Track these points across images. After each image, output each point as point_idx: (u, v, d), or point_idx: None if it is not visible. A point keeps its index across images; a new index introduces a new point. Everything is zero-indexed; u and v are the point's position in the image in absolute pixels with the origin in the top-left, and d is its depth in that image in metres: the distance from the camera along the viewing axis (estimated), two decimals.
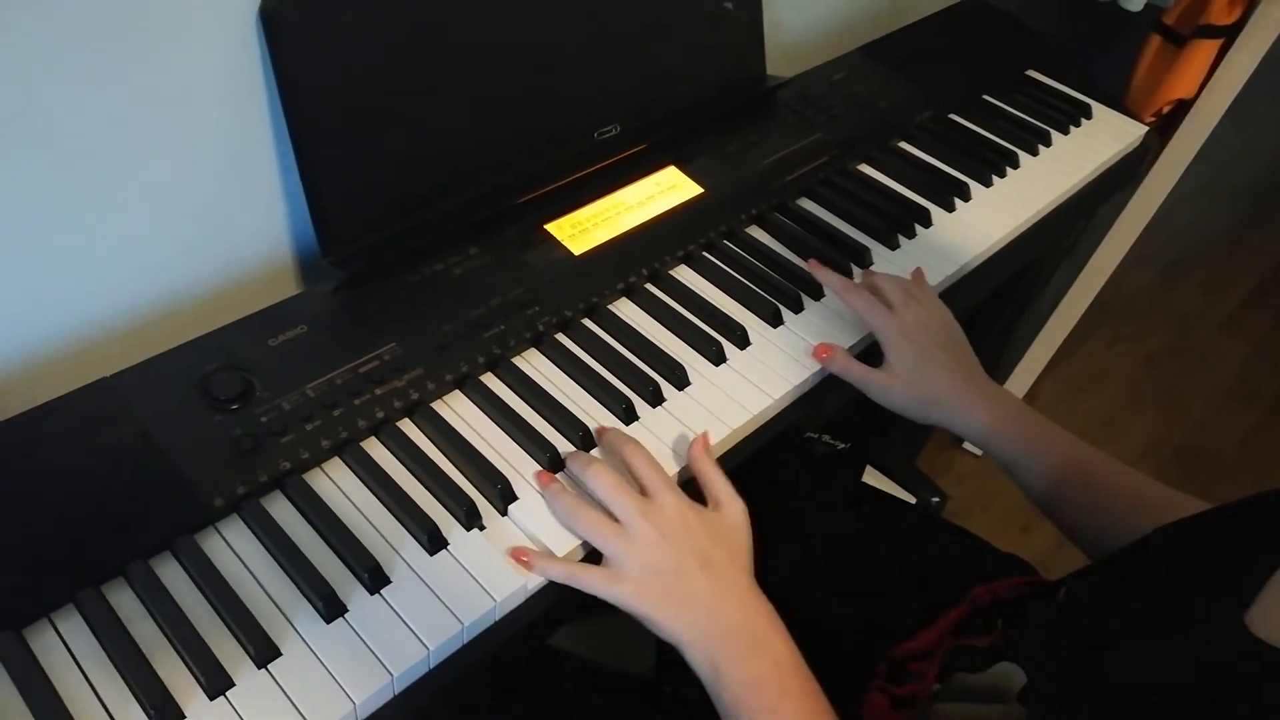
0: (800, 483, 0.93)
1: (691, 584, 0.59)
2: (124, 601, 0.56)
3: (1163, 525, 0.57)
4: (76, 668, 0.53)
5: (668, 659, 1.01)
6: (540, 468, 0.66)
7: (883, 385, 0.75)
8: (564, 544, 0.62)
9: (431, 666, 0.57)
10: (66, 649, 0.54)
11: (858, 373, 0.76)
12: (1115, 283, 1.63)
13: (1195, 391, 2.05)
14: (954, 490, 1.62)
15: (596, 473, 0.62)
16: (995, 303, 1.50)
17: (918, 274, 0.83)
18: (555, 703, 0.79)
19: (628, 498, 0.61)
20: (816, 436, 1.43)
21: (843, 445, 1.45)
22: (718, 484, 0.65)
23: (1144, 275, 2.29)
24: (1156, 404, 2.00)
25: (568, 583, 0.60)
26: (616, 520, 0.61)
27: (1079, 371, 2.02)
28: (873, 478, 1.48)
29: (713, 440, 0.70)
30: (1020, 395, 1.73)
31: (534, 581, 0.60)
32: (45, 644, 0.54)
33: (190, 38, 0.64)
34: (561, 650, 0.84)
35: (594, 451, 0.68)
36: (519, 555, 0.61)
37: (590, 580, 0.60)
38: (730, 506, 0.64)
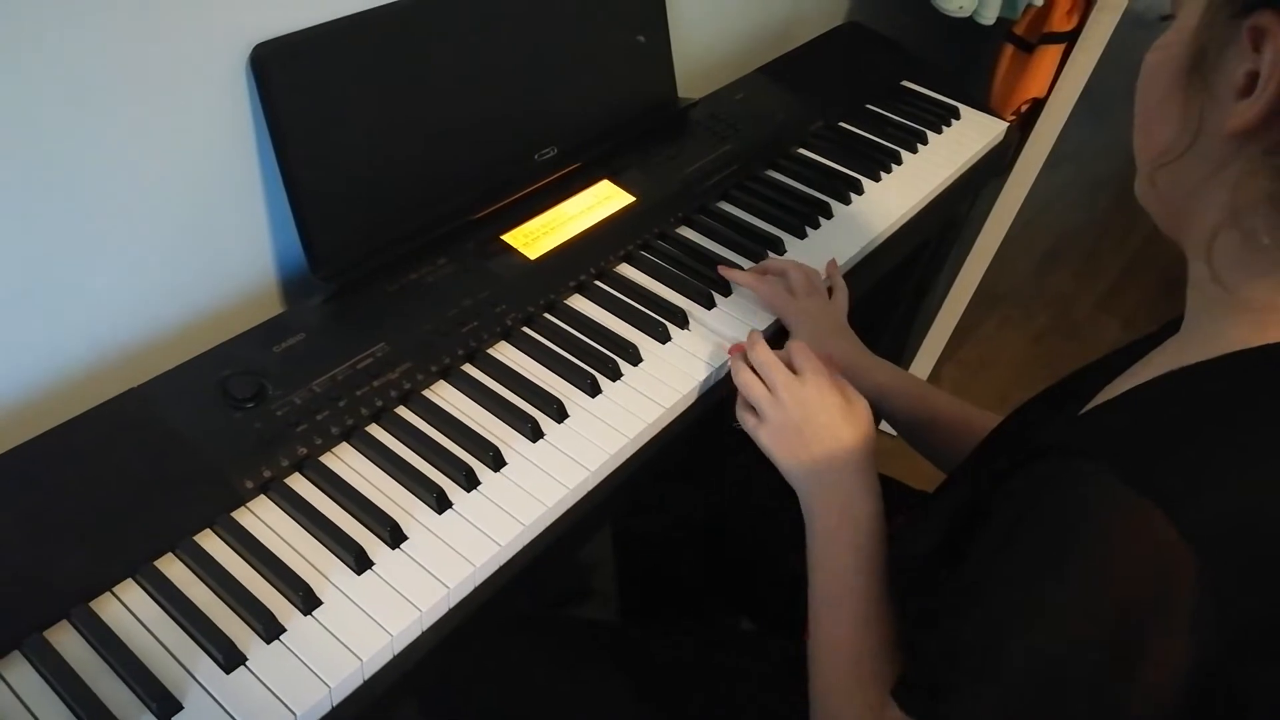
0: (750, 463, 1.05)
1: (810, 446, 0.74)
2: (178, 573, 0.64)
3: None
4: (145, 630, 0.61)
5: (635, 605, 1.12)
6: (525, 437, 0.76)
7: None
8: (552, 496, 0.72)
9: (452, 604, 0.67)
10: (133, 615, 0.62)
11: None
12: (1001, 273, 1.81)
13: (1077, 365, 2.25)
14: None
15: (762, 352, 0.79)
16: (895, 295, 1.66)
17: (831, 264, 0.97)
18: (525, 656, 0.88)
19: (779, 374, 0.77)
20: None
21: None
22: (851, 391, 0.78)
23: (1025, 265, 2.50)
24: (1044, 379, 2.17)
25: (741, 423, 0.79)
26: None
27: (975, 355, 2.20)
28: None
29: (682, 391, 0.82)
30: (924, 378, 1.89)
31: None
32: (113, 613, 0.62)
33: (188, 87, 0.73)
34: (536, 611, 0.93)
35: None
36: (732, 350, 0.82)
37: (747, 420, 0.78)
38: (859, 404, 0.77)
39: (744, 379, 0.79)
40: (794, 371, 0.77)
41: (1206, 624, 0.45)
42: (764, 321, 0.91)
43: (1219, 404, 0.49)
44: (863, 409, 0.76)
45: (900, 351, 1.86)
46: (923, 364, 1.89)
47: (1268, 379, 0.50)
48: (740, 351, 0.81)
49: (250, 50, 0.75)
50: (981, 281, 1.73)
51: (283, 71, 0.76)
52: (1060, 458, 0.49)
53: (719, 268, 0.94)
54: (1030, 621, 0.48)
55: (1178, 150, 0.52)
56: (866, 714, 0.63)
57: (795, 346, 0.79)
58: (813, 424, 0.74)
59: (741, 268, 0.96)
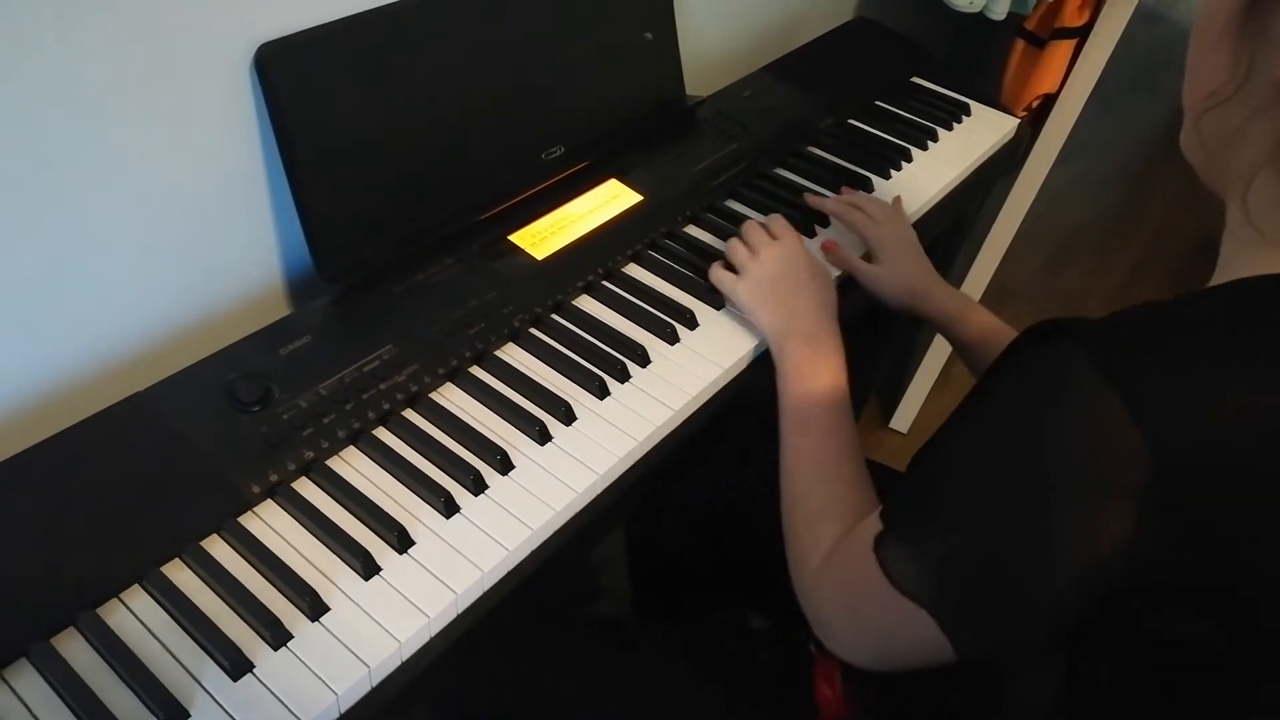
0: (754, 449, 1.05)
1: (784, 298, 0.84)
2: (185, 579, 0.64)
3: None
4: (152, 637, 0.61)
5: (646, 601, 1.12)
6: (533, 440, 0.76)
7: (874, 274, 0.94)
8: (561, 501, 0.72)
9: (460, 610, 0.66)
10: (140, 622, 0.61)
11: (854, 262, 0.96)
12: (1011, 269, 1.79)
13: None
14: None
15: (748, 223, 0.93)
16: None
17: (897, 201, 1.05)
18: (539, 649, 0.88)
19: (760, 236, 0.90)
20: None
21: None
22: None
23: (1035, 261, 2.48)
24: None
25: (715, 280, 0.89)
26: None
27: None
28: None
29: (691, 393, 0.82)
30: (935, 375, 1.88)
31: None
32: (119, 619, 0.61)
33: (192, 88, 0.73)
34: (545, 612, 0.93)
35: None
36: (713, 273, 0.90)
37: (725, 280, 0.88)
38: (823, 266, 0.90)
39: (730, 243, 0.91)
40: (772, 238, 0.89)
41: (1156, 515, 0.47)
42: None
43: (1212, 320, 0.52)
44: (826, 270, 0.89)
45: (910, 346, 1.85)
46: (934, 359, 1.87)
47: (1268, 303, 0.52)
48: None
49: (254, 51, 0.74)
50: (992, 278, 1.71)
51: (287, 72, 0.75)
52: (1052, 335, 0.52)
53: (806, 196, 1.03)
54: (986, 462, 0.53)
55: (1226, 93, 0.53)
56: (827, 536, 0.67)
57: (772, 218, 0.92)
58: (787, 277, 0.85)
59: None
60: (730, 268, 0.90)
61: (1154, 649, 0.53)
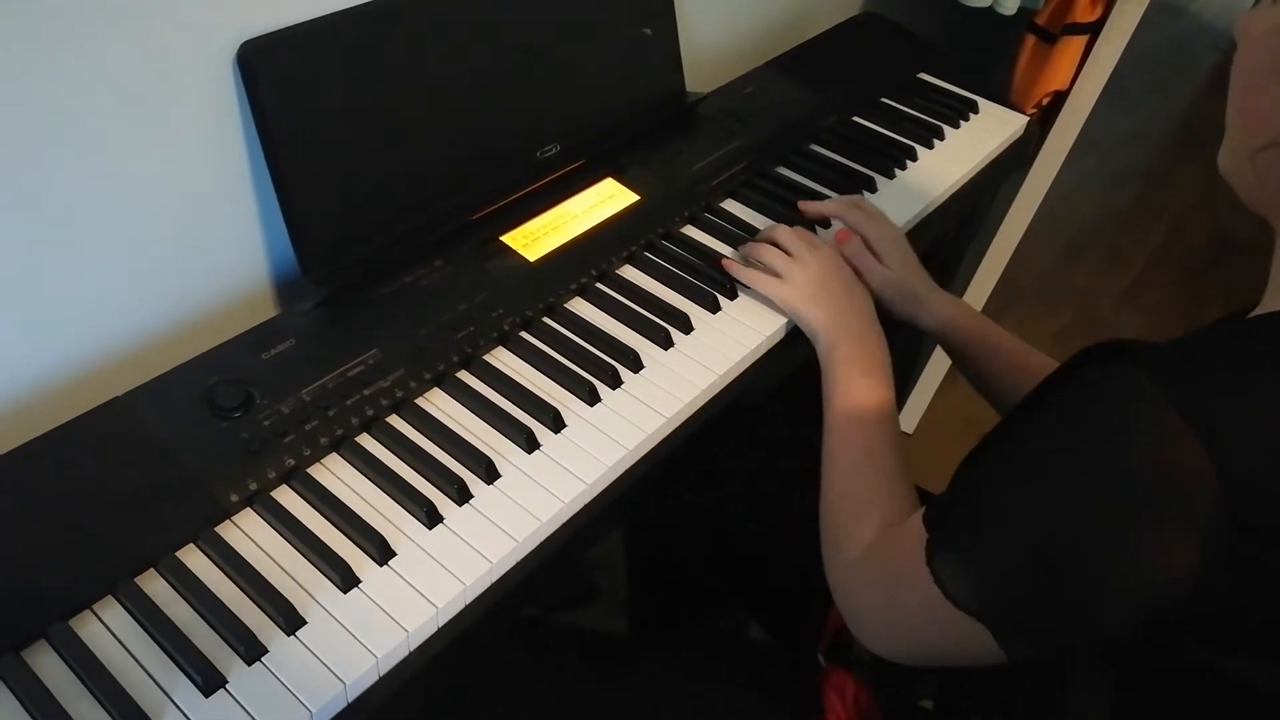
0: (753, 453, 1.03)
1: (833, 297, 0.85)
2: (159, 590, 0.62)
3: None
4: (124, 650, 0.59)
5: (644, 611, 1.10)
6: (520, 448, 0.74)
7: (884, 273, 0.92)
8: (547, 511, 0.70)
9: (441, 624, 0.65)
10: (112, 635, 0.60)
11: (867, 259, 0.93)
12: (1022, 267, 1.77)
13: None
14: None
15: (783, 228, 0.93)
16: None
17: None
18: (529, 664, 0.86)
19: (802, 243, 0.90)
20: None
21: None
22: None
23: (1046, 259, 2.45)
24: None
25: (754, 285, 0.89)
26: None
27: None
28: None
29: (684, 400, 0.80)
30: (940, 377, 1.86)
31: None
32: (91, 632, 0.60)
33: (174, 86, 0.71)
34: (541, 618, 0.92)
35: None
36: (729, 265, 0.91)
37: (769, 287, 0.88)
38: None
39: (765, 252, 0.90)
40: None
41: (1217, 544, 0.47)
42: (770, 325, 0.88)
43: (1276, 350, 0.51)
44: (861, 282, 0.90)
45: (918, 348, 1.82)
46: (940, 360, 1.85)
47: None
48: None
49: (237, 48, 0.73)
50: (1002, 276, 1.69)
51: (270, 69, 0.73)
52: (1114, 358, 0.52)
53: (800, 203, 1.01)
54: (1049, 481, 0.52)
55: None
56: (870, 526, 0.68)
57: (801, 231, 0.92)
58: (832, 280, 0.87)
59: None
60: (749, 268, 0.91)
61: (1198, 680, 0.53)
